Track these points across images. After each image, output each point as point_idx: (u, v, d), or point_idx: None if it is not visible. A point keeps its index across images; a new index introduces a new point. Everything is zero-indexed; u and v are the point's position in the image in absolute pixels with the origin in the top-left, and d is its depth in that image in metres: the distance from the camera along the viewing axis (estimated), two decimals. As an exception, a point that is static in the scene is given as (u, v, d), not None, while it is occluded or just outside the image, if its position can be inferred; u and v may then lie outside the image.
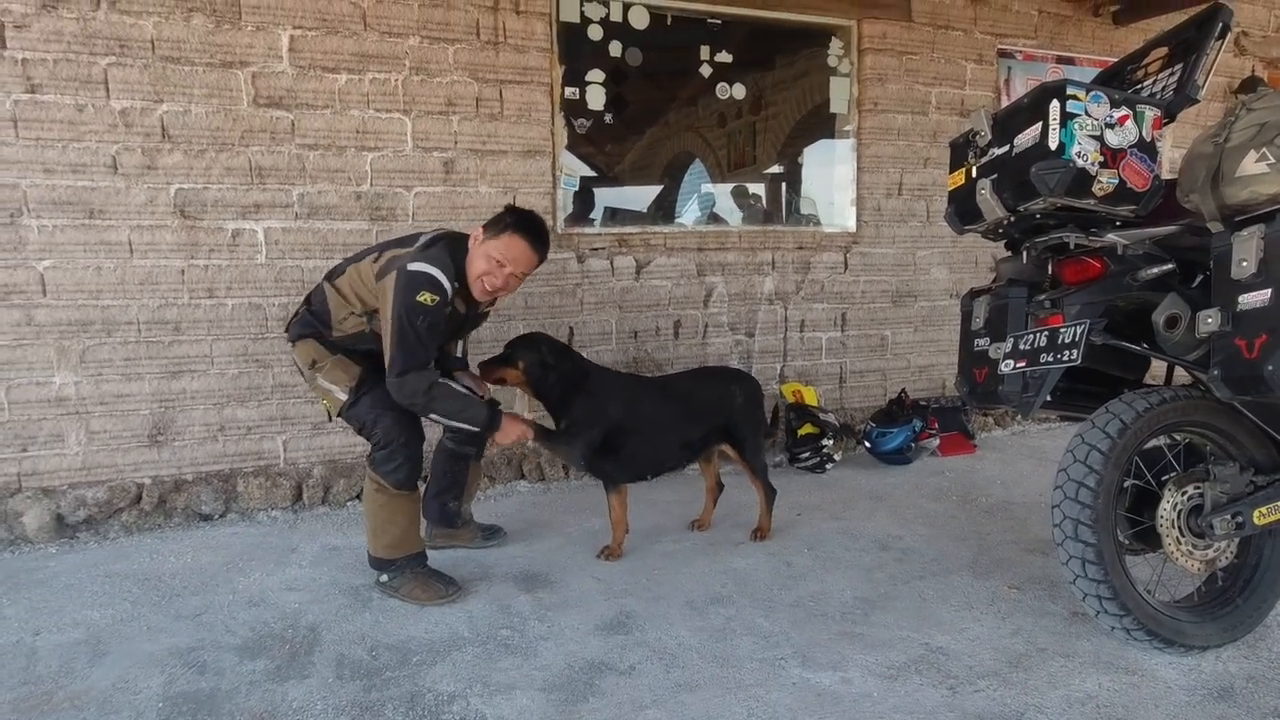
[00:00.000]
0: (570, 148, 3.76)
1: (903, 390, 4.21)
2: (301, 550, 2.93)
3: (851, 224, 4.30)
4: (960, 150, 2.32)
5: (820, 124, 4.67)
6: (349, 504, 3.38)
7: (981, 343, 2.40)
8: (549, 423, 2.74)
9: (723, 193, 6.62)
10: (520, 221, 2.39)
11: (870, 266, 4.34)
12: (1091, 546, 1.97)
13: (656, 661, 2.12)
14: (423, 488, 2.90)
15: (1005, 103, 4.44)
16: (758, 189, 6.11)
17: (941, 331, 4.57)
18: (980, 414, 4.68)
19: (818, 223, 4.52)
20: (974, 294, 2.50)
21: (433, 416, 2.37)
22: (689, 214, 6.42)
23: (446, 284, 2.28)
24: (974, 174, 2.24)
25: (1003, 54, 4.52)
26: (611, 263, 3.78)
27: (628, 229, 3.87)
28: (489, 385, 2.69)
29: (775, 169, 6.14)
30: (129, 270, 3.01)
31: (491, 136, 3.47)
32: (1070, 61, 4.68)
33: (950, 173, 2.38)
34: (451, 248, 2.39)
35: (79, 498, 3.03)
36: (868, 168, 4.25)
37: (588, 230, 3.78)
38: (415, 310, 2.23)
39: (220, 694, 1.99)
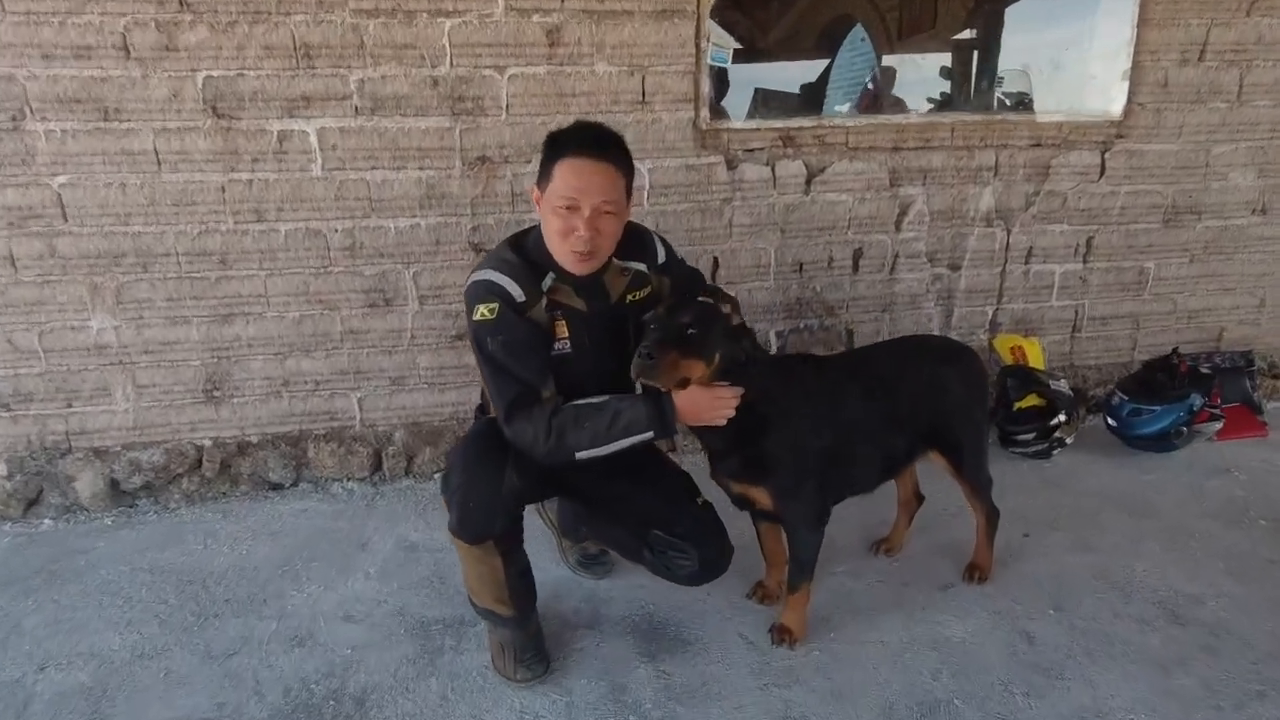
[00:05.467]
0: (715, 13, 2.68)
1: (1175, 350, 3.01)
2: (373, 547, 2.35)
3: (1118, 108, 2.99)
4: None
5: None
6: (436, 476, 2.77)
7: None
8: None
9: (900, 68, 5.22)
10: (563, 140, 1.65)
11: (1139, 170, 3.05)
12: None
13: None
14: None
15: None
16: (943, 61, 4.72)
17: (1230, 264, 3.25)
18: (1270, 376, 3.40)
19: (1029, 107, 3.22)
20: None
21: (580, 456, 1.61)
22: (841, 99, 5.04)
23: (502, 281, 1.65)
24: None
25: None
26: (773, 169, 2.77)
27: (796, 123, 2.81)
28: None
29: (965, 34, 4.70)
30: (159, 187, 2.38)
31: (612, -9, 2.48)
32: None
33: None
34: (516, 237, 1.78)
35: (133, 461, 2.58)
36: (1157, 20, 2.87)
37: (740, 126, 2.76)
38: (480, 333, 1.64)
39: (222, 822, 1.42)
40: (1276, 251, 3.28)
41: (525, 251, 1.70)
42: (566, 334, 1.72)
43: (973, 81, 4.35)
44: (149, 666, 1.84)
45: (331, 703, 1.71)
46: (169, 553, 2.33)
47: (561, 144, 1.63)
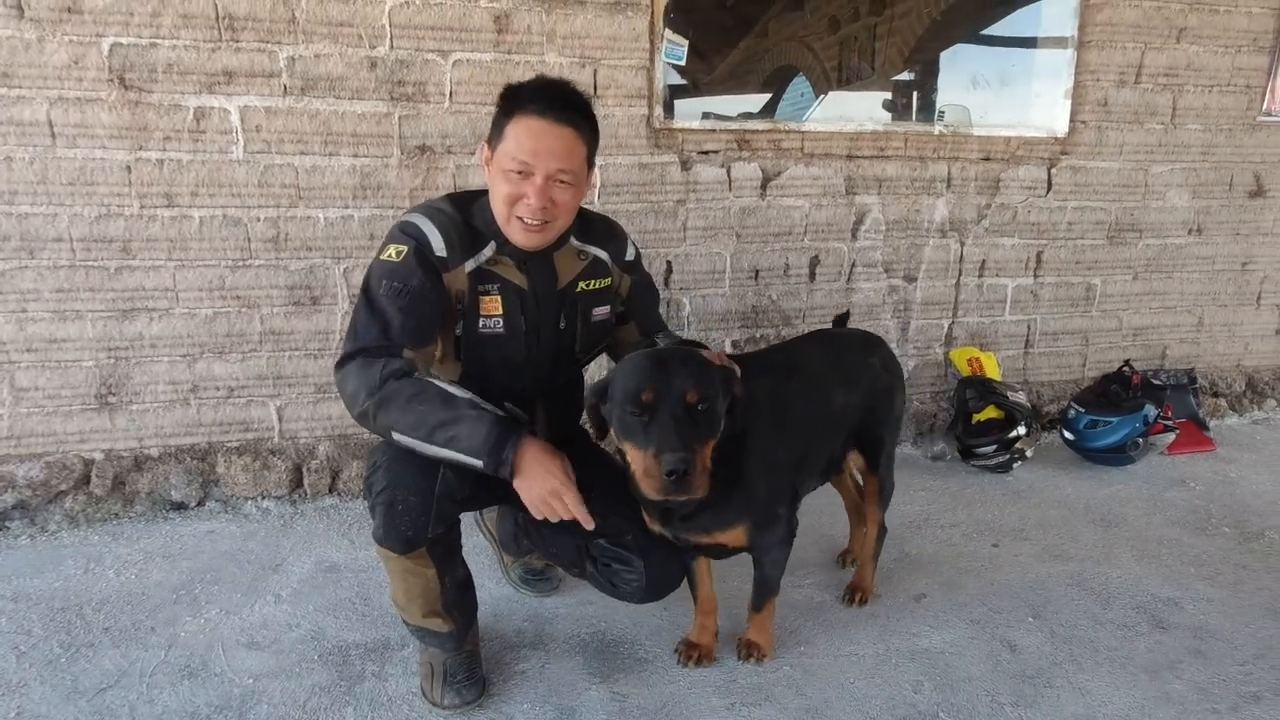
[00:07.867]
0: (669, 12, 2.62)
1: (1127, 362, 3.02)
2: (288, 568, 2.07)
3: (1062, 125, 3.04)
4: None
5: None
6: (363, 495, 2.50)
7: None
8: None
9: (840, 100, 5.42)
10: (520, 94, 1.46)
11: (1083, 187, 3.09)
12: None
13: None
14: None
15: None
16: (883, 96, 4.88)
17: (1170, 281, 3.31)
18: (1211, 394, 3.44)
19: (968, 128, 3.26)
20: None
21: (396, 438, 1.36)
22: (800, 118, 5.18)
23: (426, 229, 1.47)
24: None
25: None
26: (728, 171, 2.69)
27: (751, 125, 2.75)
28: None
29: (904, 76, 4.87)
30: (53, 164, 2.13)
31: (564, -19, 2.40)
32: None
33: None
34: (464, 193, 1.62)
35: (6, 476, 2.25)
36: (1096, 41, 2.95)
37: (696, 126, 2.68)
38: (376, 272, 1.46)
39: None
40: (1211, 272, 3.36)
41: (468, 212, 1.53)
42: (500, 311, 1.54)
43: (914, 115, 4.46)
44: (-3, 706, 1.52)
45: (223, 740, 1.44)
46: (41, 579, 2.01)
47: (518, 99, 1.46)
